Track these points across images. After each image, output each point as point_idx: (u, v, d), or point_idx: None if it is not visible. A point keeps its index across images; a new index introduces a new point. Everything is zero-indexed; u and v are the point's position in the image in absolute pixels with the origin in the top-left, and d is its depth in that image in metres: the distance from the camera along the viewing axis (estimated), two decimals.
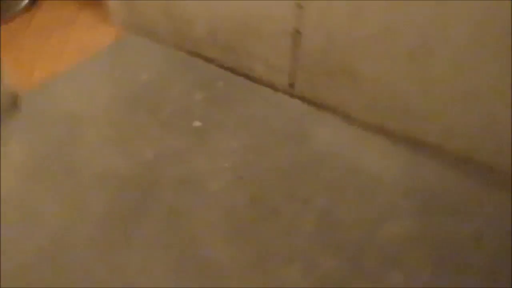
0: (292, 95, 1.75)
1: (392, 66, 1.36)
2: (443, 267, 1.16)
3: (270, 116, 1.69)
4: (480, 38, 1.14)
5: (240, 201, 1.37)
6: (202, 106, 1.74)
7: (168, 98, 1.78)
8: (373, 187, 1.40)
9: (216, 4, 1.69)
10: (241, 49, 1.77)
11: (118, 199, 1.39)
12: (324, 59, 1.52)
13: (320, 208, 1.34)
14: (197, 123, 1.67)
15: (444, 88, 1.30)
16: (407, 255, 1.19)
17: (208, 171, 1.48)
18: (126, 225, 1.31)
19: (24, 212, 1.35)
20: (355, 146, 1.55)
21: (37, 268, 1.20)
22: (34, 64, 1.99)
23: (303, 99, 1.73)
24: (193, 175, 1.47)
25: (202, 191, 1.41)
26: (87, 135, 1.62)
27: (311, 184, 1.42)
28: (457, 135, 1.39)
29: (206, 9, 1.74)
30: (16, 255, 1.24)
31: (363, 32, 1.35)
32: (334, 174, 1.45)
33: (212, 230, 1.30)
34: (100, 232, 1.29)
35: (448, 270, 1.15)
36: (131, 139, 1.60)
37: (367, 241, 1.24)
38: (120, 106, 1.76)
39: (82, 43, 2.11)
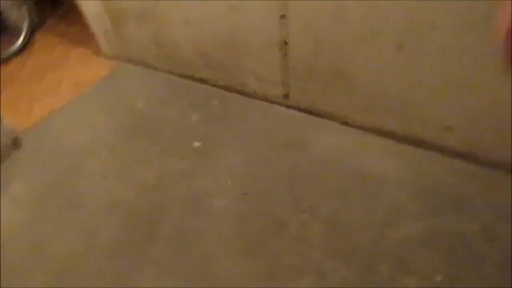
0: (288, 106, 1.76)
1: (382, 63, 1.36)
2: (456, 267, 1.13)
3: (268, 129, 1.69)
4: (466, 23, 1.14)
5: (246, 216, 1.36)
6: (199, 126, 1.75)
7: (165, 122, 1.80)
8: (378, 189, 1.38)
9: (202, 25, 1.72)
10: (232, 66, 1.79)
11: (125, 226, 1.39)
12: (315, 66, 1.53)
13: (326, 215, 1.32)
14: (196, 144, 1.67)
15: (435, 78, 1.29)
16: (418, 258, 1.16)
17: (212, 190, 1.47)
18: (135, 251, 1.30)
19: (33, 245, 1.36)
20: (356, 149, 1.54)
21: None
22: (32, 102, 2.03)
23: (299, 108, 1.73)
24: (197, 194, 1.46)
25: (208, 210, 1.40)
26: (89, 166, 1.63)
27: (315, 191, 1.41)
28: (457, 129, 1.38)
29: (192, 31, 1.77)
30: (26, 284, 1.24)
31: (349, 33, 1.35)
32: (338, 179, 1.44)
33: (221, 247, 1.28)
34: (109, 260, 1.29)
35: (462, 269, 1.12)
36: (133, 166, 1.61)
37: (377, 245, 1.21)
38: (119, 135, 1.77)
39: (77, 78, 2.16)
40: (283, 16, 1.45)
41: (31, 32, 2.53)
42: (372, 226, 1.27)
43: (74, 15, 2.58)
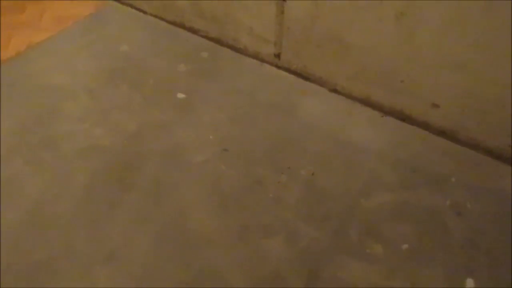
0: (278, 66, 1.71)
1: (380, 32, 1.32)
2: (423, 238, 1.16)
3: (256, 88, 1.65)
4: None
5: (224, 173, 1.36)
6: (186, 78, 1.70)
7: (150, 69, 1.73)
8: (358, 159, 1.39)
9: None
10: (226, 18, 1.71)
11: (101, 172, 1.36)
12: (311, 28, 1.48)
13: (304, 179, 1.33)
14: (181, 95, 1.63)
15: (431, 55, 1.27)
16: (388, 227, 1.19)
17: (193, 144, 1.45)
18: (109, 198, 1.29)
19: (4, 184, 1.32)
20: (342, 117, 1.53)
21: (16, 239, 1.18)
22: (10, 34, 1.91)
23: (289, 70, 1.69)
24: (177, 147, 1.44)
25: (187, 164, 1.39)
26: (66, 108, 1.57)
27: (296, 155, 1.40)
28: (443, 107, 1.37)
29: None
30: None
31: None
32: (320, 145, 1.43)
33: (197, 202, 1.28)
34: (82, 205, 1.27)
35: (428, 241, 1.16)
36: (113, 112, 1.56)
37: (350, 212, 1.24)
38: (100, 79, 1.70)
39: (60, 13, 2.03)
40: None
41: None
42: (348, 194, 1.28)
43: None
